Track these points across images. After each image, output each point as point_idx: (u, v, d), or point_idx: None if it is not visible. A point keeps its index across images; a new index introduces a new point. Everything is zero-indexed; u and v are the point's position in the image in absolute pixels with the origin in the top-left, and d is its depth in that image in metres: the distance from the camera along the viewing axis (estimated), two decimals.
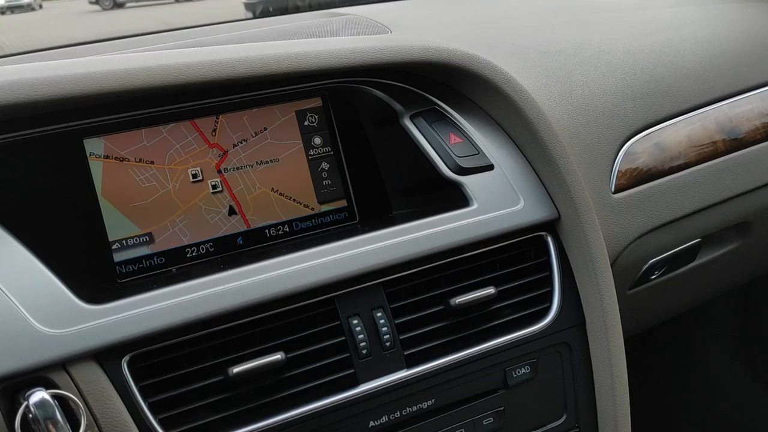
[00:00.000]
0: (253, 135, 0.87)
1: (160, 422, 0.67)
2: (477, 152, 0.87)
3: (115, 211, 0.80)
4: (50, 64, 0.72)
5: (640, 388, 1.60)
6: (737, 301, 1.63)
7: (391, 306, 0.79)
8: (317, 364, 0.75)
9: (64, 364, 0.64)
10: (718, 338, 1.67)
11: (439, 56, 0.84)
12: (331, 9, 1.41)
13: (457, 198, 0.85)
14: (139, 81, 0.71)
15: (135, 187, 0.81)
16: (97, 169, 0.80)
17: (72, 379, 0.64)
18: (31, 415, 0.61)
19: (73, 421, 0.63)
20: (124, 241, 0.81)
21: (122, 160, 0.81)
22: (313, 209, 0.89)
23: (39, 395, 0.62)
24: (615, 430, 0.88)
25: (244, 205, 0.86)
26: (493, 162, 0.87)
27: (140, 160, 0.82)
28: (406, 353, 0.78)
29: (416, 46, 0.83)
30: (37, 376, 0.63)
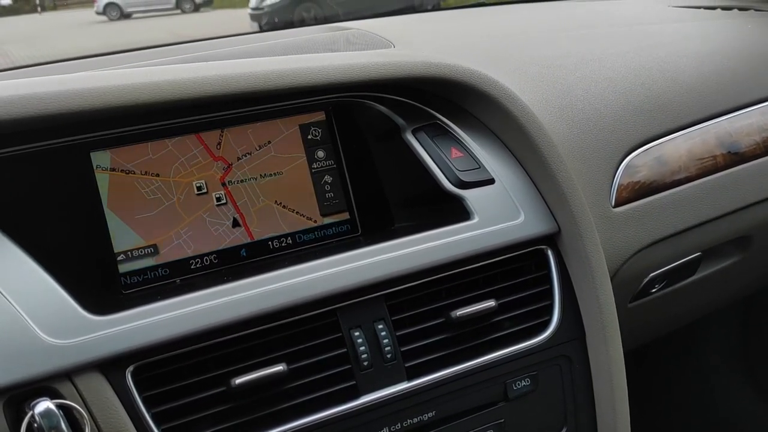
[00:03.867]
0: (257, 148, 0.88)
1: None
2: (478, 166, 0.88)
3: (121, 223, 0.81)
4: (58, 78, 0.74)
5: (640, 400, 1.60)
6: (738, 314, 1.63)
7: (393, 318, 0.79)
8: (319, 376, 0.75)
9: (69, 374, 0.65)
10: (719, 351, 1.67)
11: (440, 72, 0.85)
12: (334, 23, 1.42)
13: (458, 211, 0.86)
14: (145, 96, 0.72)
15: (140, 199, 0.82)
16: (103, 181, 0.81)
17: (77, 389, 0.65)
18: (36, 425, 0.62)
19: (77, 430, 0.64)
20: (129, 253, 0.82)
21: (128, 173, 0.82)
22: (315, 222, 0.90)
23: (44, 405, 0.63)
24: None
25: (247, 217, 0.87)
26: (493, 176, 0.88)
27: (146, 172, 0.83)
28: (407, 365, 0.79)
29: (418, 62, 0.84)
30: (43, 386, 0.64)
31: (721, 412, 1.67)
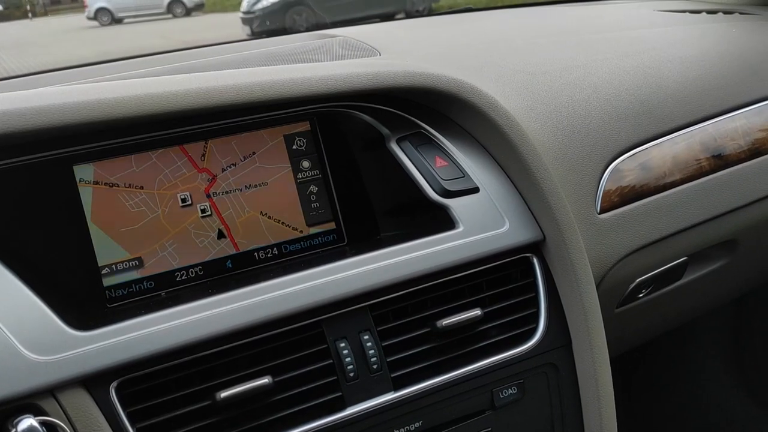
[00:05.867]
0: (242, 159, 0.88)
1: None
2: (462, 175, 0.88)
3: (105, 236, 0.81)
4: (40, 92, 0.74)
5: (629, 405, 1.60)
6: (728, 316, 1.64)
7: (378, 329, 0.79)
8: (305, 388, 0.75)
9: (53, 390, 0.65)
10: (709, 354, 1.67)
11: (423, 82, 0.85)
12: (324, 30, 1.43)
13: (443, 220, 0.86)
14: (127, 110, 0.72)
15: (125, 212, 0.82)
16: (86, 194, 0.81)
17: (60, 406, 0.65)
18: None
19: None
20: (113, 266, 0.81)
21: (112, 186, 0.82)
22: (301, 232, 0.90)
23: (27, 422, 0.63)
24: None
25: (233, 228, 0.87)
26: (478, 185, 0.88)
27: (130, 185, 0.83)
28: (393, 375, 0.79)
29: (400, 72, 0.84)
30: (26, 402, 0.64)
31: (712, 415, 1.67)
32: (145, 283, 0.83)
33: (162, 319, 0.70)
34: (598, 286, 0.92)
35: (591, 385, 0.87)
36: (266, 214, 0.89)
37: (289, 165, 0.91)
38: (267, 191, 0.89)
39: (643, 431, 1.68)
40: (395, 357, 0.79)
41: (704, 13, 1.52)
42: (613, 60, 1.16)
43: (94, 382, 0.67)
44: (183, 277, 0.84)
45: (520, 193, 0.89)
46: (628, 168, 1.03)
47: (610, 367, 0.88)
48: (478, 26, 1.50)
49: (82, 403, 0.66)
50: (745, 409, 1.65)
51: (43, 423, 0.63)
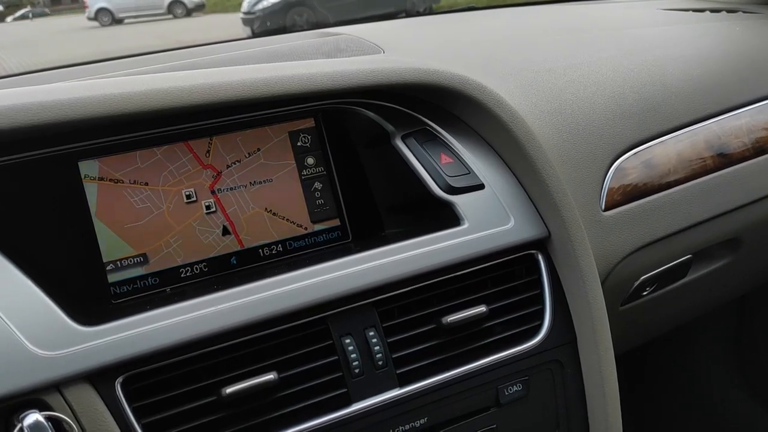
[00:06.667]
0: (247, 156, 0.88)
1: None
2: (468, 172, 0.88)
3: (110, 233, 0.81)
4: (46, 88, 0.74)
5: (633, 403, 1.60)
6: (731, 315, 1.64)
7: (384, 325, 0.79)
8: (310, 384, 0.75)
9: (58, 386, 0.65)
10: (712, 353, 1.67)
11: (428, 78, 0.85)
12: (325, 28, 1.42)
13: (448, 217, 0.86)
14: (133, 105, 0.72)
15: (129, 208, 0.82)
16: (91, 190, 0.81)
17: (66, 401, 0.65)
18: None
19: None
20: (118, 262, 0.81)
21: (117, 182, 0.82)
22: (306, 228, 0.90)
23: (33, 417, 0.62)
24: None
25: (237, 225, 0.87)
26: (483, 181, 0.88)
27: (134, 181, 0.83)
28: (398, 372, 0.79)
29: (406, 68, 0.84)
30: (32, 398, 0.64)
31: (714, 414, 1.67)
32: (149, 280, 0.83)
33: (167, 315, 0.70)
34: (602, 284, 0.92)
35: (596, 383, 0.87)
36: (271, 210, 0.89)
37: (294, 162, 0.91)
38: (271, 188, 0.89)
39: (645, 429, 1.68)
40: (400, 353, 0.79)
41: (707, 12, 1.52)
42: (617, 58, 1.16)
43: (99, 378, 0.67)
44: (187, 274, 0.84)
45: (525, 190, 0.89)
46: (632, 166, 1.03)
47: (615, 365, 0.88)
48: (481, 25, 1.50)
49: (88, 398, 0.66)
50: (747, 408, 1.65)
51: (48, 418, 0.63)
